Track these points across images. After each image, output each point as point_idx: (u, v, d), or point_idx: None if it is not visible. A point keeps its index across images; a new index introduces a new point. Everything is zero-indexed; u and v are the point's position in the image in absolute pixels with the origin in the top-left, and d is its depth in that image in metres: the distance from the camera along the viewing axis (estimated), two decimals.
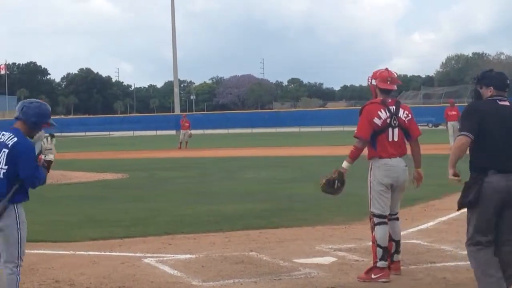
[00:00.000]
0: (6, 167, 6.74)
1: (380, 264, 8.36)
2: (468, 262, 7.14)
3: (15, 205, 6.74)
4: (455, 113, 33.61)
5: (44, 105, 7.13)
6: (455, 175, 6.83)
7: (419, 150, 8.81)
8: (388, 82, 8.72)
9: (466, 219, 7.00)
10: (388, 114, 8.58)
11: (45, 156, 6.93)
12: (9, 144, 6.79)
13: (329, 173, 8.85)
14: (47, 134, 7.01)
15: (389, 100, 8.70)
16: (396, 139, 8.56)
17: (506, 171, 6.77)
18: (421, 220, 12.64)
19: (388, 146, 8.52)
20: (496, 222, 6.89)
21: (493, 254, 6.91)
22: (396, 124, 8.57)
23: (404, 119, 8.63)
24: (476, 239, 6.89)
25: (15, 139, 6.80)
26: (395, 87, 8.82)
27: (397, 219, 8.77)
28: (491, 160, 6.78)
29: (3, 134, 6.90)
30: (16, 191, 6.70)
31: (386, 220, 8.53)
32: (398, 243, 8.70)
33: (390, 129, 8.55)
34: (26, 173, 6.70)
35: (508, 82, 7.18)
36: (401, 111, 8.65)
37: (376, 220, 8.53)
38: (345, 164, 8.75)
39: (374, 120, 8.54)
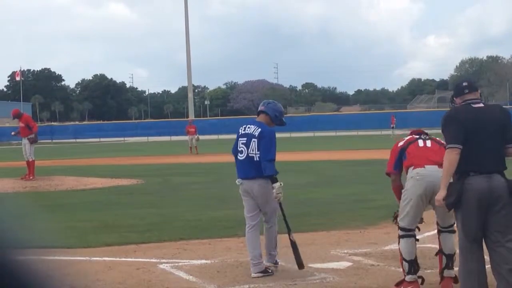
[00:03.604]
0: (258, 152, 8.90)
1: (408, 278, 8.00)
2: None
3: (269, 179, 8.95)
4: None
5: (280, 105, 9.63)
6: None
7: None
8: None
9: (455, 220, 7.26)
10: (414, 135, 8.34)
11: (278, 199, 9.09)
12: (255, 134, 8.97)
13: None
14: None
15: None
16: (429, 145, 8.08)
17: (486, 172, 6.92)
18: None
19: (418, 151, 8.02)
20: (484, 224, 7.00)
21: (484, 264, 7.05)
22: (427, 138, 8.21)
23: (437, 139, 8.17)
24: (465, 244, 7.03)
25: (260, 129, 9.00)
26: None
27: (451, 231, 8.15)
28: (472, 162, 6.91)
29: (248, 127, 9.15)
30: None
31: (412, 233, 8.08)
32: (449, 257, 8.07)
33: (420, 140, 8.16)
34: (264, 156, 8.84)
35: (466, 84, 7.32)
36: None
37: (400, 232, 8.11)
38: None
39: (398, 144, 8.28)
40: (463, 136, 6.90)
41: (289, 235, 9.20)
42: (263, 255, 9.22)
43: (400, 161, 8.18)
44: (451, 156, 6.90)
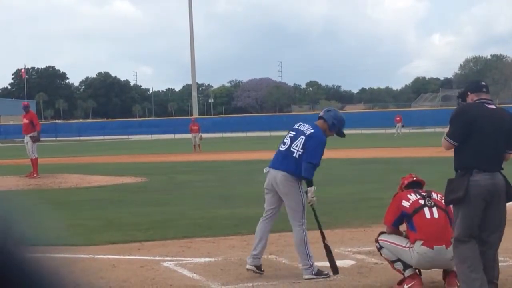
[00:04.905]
0: (302, 150, 8.75)
1: (407, 272, 8.03)
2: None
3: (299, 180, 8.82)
4: None
5: (342, 115, 9.47)
6: None
7: None
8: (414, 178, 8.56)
9: (453, 215, 7.30)
10: (418, 196, 8.15)
11: (311, 204, 8.98)
12: (306, 133, 8.87)
13: None
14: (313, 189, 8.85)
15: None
16: (436, 216, 7.95)
17: (489, 171, 7.11)
18: None
19: (427, 226, 7.89)
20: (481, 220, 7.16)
21: (478, 251, 7.13)
22: (432, 203, 8.06)
23: (440, 199, 8.04)
24: (464, 237, 7.12)
25: (312, 130, 8.91)
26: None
27: None
28: (476, 160, 7.10)
29: (303, 125, 9.11)
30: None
31: None
32: None
33: (426, 209, 8.02)
34: (307, 157, 8.67)
35: (484, 84, 7.62)
36: (433, 194, 8.19)
37: (377, 245, 8.39)
38: None
39: (402, 203, 8.15)
40: (466, 135, 7.13)
41: (323, 241, 9.09)
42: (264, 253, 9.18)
43: (400, 220, 8.17)
44: (445, 145, 7.29)
